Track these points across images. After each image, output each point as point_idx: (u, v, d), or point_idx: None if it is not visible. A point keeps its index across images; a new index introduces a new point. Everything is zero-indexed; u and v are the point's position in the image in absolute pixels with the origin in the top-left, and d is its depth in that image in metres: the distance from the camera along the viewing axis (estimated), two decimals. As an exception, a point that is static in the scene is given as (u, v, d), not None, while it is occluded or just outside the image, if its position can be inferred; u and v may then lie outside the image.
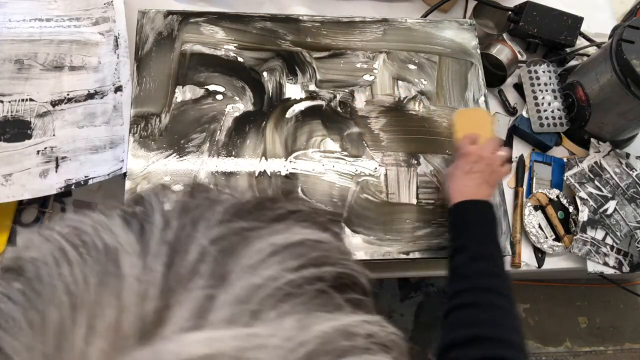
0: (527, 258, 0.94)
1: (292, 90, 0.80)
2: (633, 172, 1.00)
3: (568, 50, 1.07)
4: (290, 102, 0.79)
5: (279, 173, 0.74)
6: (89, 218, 0.22)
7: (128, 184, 0.69)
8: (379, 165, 0.78)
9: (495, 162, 0.71)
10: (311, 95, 0.80)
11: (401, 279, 1.85)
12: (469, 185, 0.67)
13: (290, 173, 0.74)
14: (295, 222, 0.24)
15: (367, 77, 0.83)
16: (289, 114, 0.78)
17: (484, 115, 0.83)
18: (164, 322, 0.18)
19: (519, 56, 1.04)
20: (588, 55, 1.07)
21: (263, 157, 0.75)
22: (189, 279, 0.19)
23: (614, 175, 0.99)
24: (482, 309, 0.58)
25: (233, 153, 0.75)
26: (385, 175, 0.77)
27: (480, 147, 0.72)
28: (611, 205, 0.96)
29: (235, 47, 0.80)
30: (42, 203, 0.82)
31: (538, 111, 1.01)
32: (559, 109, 1.01)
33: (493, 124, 0.83)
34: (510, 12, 1.04)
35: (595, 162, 0.99)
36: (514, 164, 1.00)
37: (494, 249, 0.64)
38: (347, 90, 0.82)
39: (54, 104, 0.77)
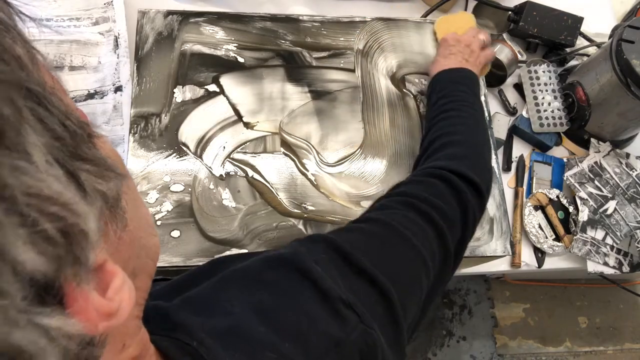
0: (527, 258, 0.94)
1: (292, 91, 0.80)
2: (633, 172, 1.00)
3: (568, 50, 1.07)
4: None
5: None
6: None
7: (128, 184, 0.69)
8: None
9: (474, 43, 0.72)
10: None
11: (401, 279, 1.84)
12: (448, 64, 0.68)
13: (293, 172, 0.75)
14: None
15: (367, 77, 0.83)
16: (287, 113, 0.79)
17: (464, 18, 0.81)
18: None
19: (519, 56, 1.04)
20: (588, 55, 1.07)
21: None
22: None
23: (614, 175, 0.99)
24: (456, 117, 0.61)
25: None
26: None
27: (457, 34, 0.74)
28: (611, 205, 0.96)
29: (235, 47, 0.80)
30: (42, 203, 0.82)
31: (538, 111, 1.01)
32: (559, 109, 1.01)
33: (474, 23, 0.81)
34: (510, 12, 1.04)
35: (595, 162, 0.99)
36: (514, 164, 1.00)
37: (471, 93, 0.66)
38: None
39: (54, 104, 0.77)
